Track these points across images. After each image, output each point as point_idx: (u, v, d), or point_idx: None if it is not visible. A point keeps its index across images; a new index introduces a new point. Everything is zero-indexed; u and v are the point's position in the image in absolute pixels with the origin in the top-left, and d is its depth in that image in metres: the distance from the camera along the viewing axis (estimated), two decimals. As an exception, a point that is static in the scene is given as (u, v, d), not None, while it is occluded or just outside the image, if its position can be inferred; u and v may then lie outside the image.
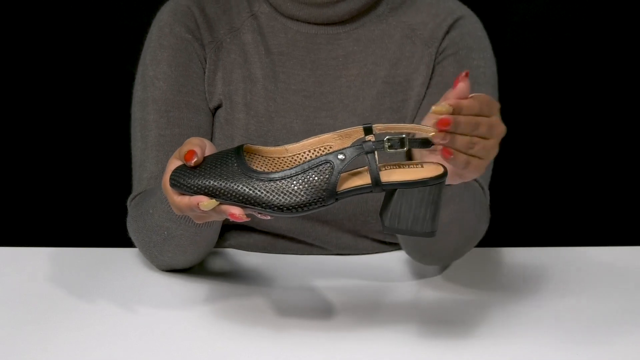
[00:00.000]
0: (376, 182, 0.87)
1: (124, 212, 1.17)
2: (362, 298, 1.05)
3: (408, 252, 1.13)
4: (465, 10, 1.22)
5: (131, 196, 1.17)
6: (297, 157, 0.92)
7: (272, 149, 0.92)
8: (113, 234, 1.34)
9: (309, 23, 1.20)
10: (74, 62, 1.80)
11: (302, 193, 0.87)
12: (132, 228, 1.13)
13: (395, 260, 1.18)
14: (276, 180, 0.88)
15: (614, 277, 1.13)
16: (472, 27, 1.21)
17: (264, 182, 0.87)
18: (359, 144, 0.87)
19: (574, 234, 1.86)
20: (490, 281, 1.11)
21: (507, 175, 1.21)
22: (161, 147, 1.16)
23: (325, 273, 1.13)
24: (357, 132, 0.90)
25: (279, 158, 0.92)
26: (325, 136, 0.91)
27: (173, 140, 1.16)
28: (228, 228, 1.22)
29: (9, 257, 1.17)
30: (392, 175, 0.88)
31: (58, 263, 1.14)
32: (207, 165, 0.90)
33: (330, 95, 1.19)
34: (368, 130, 0.89)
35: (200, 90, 1.20)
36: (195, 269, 1.12)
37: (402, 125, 0.89)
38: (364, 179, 0.88)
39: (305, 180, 0.87)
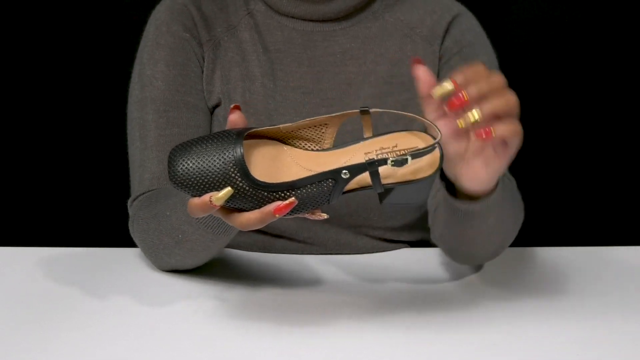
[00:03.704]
0: (379, 193, 0.89)
1: (124, 211, 1.17)
2: (362, 297, 1.05)
3: (444, 251, 1.12)
4: (460, 7, 1.24)
5: (132, 197, 1.17)
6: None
7: (266, 129, 0.91)
8: (113, 234, 1.34)
9: (304, 20, 1.20)
10: (73, 61, 1.80)
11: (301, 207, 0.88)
12: (141, 229, 1.11)
13: (395, 260, 1.18)
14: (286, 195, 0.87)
15: (614, 277, 1.13)
16: (470, 23, 1.24)
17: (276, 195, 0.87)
18: (363, 163, 0.87)
19: (574, 234, 1.86)
20: (491, 281, 1.11)
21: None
22: (161, 147, 1.15)
23: (325, 272, 1.13)
24: (353, 114, 0.91)
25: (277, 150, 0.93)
26: (320, 118, 0.92)
27: (172, 140, 1.15)
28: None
29: (9, 257, 1.17)
30: (390, 178, 0.89)
31: (58, 263, 1.14)
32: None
33: (330, 92, 1.19)
34: (365, 112, 0.91)
35: (199, 89, 1.19)
36: (195, 269, 1.12)
37: (398, 112, 0.92)
38: (364, 180, 0.89)
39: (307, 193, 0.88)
